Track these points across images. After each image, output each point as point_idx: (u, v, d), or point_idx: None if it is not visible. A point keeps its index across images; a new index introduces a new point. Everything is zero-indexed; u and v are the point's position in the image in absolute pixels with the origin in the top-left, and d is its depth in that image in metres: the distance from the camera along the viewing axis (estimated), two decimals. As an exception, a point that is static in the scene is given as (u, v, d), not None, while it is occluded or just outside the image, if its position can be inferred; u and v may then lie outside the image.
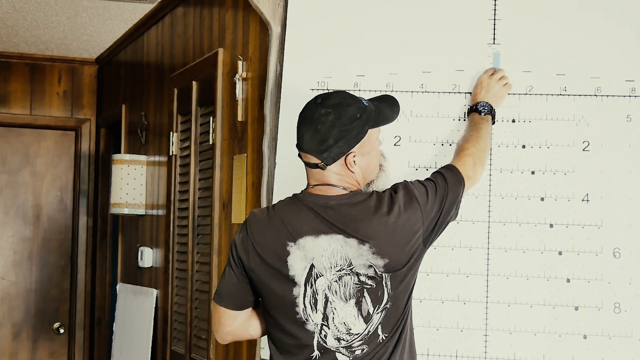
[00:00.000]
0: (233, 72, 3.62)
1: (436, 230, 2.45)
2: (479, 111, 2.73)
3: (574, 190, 2.73)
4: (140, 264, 4.88)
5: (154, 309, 4.65)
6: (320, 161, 2.40)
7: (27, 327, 6.11)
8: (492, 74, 2.79)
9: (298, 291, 2.39)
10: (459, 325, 2.73)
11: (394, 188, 2.45)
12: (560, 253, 2.71)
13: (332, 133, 2.38)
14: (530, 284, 2.70)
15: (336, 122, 2.38)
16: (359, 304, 2.37)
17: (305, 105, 2.45)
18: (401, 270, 2.37)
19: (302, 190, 2.47)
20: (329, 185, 2.43)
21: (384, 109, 2.49)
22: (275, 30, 3.06)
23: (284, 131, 2.91)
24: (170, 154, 4.43)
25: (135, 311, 4.95)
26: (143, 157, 5.03)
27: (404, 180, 2.47)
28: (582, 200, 2.72)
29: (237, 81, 3.53)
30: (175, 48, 4.53)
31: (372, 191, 2.45)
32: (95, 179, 6.19)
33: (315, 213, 2.40)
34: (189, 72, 4.21)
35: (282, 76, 2.96)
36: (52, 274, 6.17)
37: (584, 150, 2.74)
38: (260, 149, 3.24)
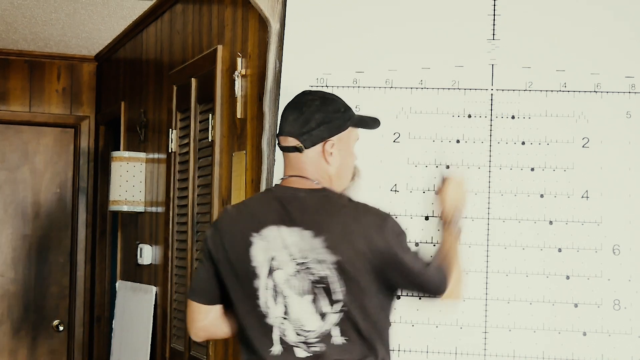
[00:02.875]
0: (232, 69, 3.62)
1: (385, 278, 2.39)
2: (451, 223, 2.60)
3: (573, 186, 2.72)
4: (140, 261, 4.88)
5: (153, 306, 4.64)
6: (299, 143, 2.43)
7: (26, 324, 6.11)
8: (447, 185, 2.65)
9: (258, 283, 2.40)
10: (459, 322, 2.72)
11: (378, 209, 2.43)
12: (559, 250, 2.71)
13: (316, 117, 2.43)
14: (529, 281, 2.70)
15: (321, 107, 2.44)
16: (315, 301, 2.36)
17: (294, 96, 2.52)
18: (355, 275, 2.34)
19: (276, 184, 2.51)
20: (303, 177, 2.44)
21: (366, 118, 2.56)
22: (274, 27, 3.05)
23: (283, 128, 2.90)
24: (170, 151, 4.42)
25: (135, 308, 4.94)
26: (142, 154, 5.02)
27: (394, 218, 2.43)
28: (582, 197, 2.72)
29: (236, 78, 3.53)
30: (174, 45, 4.52)
31: (344, 196, 2.45)
32: (94, 176, 6.18)
33: (282, 204, 2.42)
34: (188, 69, 4.20)
35: (281, 73, 2.96)
36: (51, 271, 6.16)
37: (583, 146, 2.74)
38: (260, 146, 3.23)
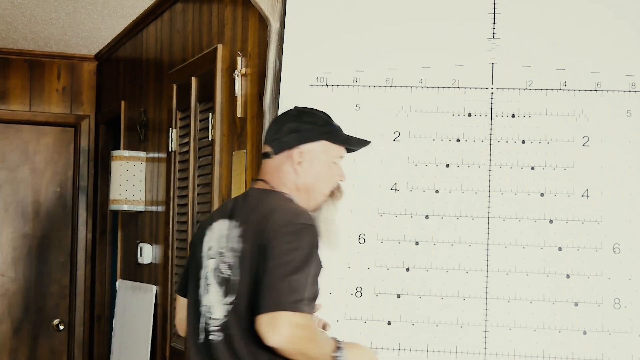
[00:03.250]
0: (232, 68, 3.62)
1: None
2: (338, 346, 2.37)
3: (573, 185, 2.72)
4: (140, 260, 4.87)
5: (153, 305, 4.64)
6: (270, 149, 2.50)
7: (27, 323, 6.11)
8: None
9: (201, 273, 2.49)
10: (459, 321, 2.72)
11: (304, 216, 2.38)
12: (560, 249, 2.71)
13: (288, 125, 2.50)
14: (530, 280, 2.70)
15: (296, 118, 2.51)
16: (221, 290, 2.41)
17: None
18: (249, 268, 2.34)
19: None
20: (263, 181, 2.50)
21: (352, 138, 2.57)
22: (274, 25, 3.05)
23: (283, 127, 2.90)
24: (170, 150, 4.42)
25: (135, 308, 4.94)
26: (142, 154, 5.02)
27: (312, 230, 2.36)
28: (582, 195, 2.71)
29: (236, 77, 3.53)
30: (174, 44, 4.52)
31: (291, 199, 2.46)
32: (94, 175, 6.18)
33: (236, 200, 2.52)
34: (188, 68, 4.20)
35: (281, 72, 2.96)
36: (51, 270, 6.16)
37: (583, 145, 2.73)
38: (260, 145, 3.23)
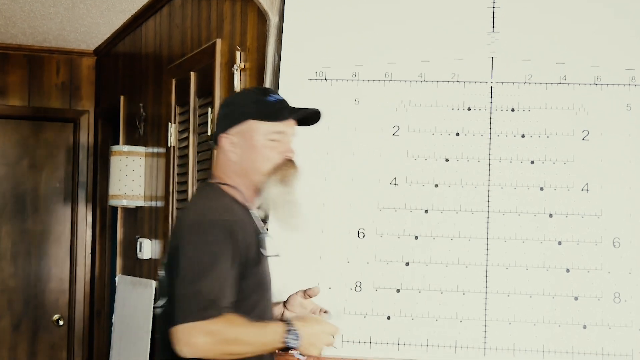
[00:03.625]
0: (231, 62, 3.61)
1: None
2: (288, 327, 2.30)
3: (573, 179, 2.71)
4: (139, 255, 4.87)
5: (153, 300, 4.64)
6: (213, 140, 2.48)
7: (26, 319, 6.10)
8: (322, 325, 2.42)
9: None
10: (458, 315, 2.72)
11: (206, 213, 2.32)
12: (559, 243, 2.70)
13: (219, 113, 2.46)
14: (529, 274, 2.69)
15: (225, 105, 2.47)
16: (157, 293, 2.44)
17: None
18: (169, 272, 2.33)
19: None
20: (213, 173, 2.47)
21: (287, 111, 2.42)
22: (273, 20, 3.04)
23: (282, 121, 2.89)
24: (169, 145, 4.41)
25: (135, 303, 4.94)
26: (141, 149, 5.01)
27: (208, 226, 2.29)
28: (582, 189, 2.71)
29: (235, 71, 3.52)
30: (173, 39, 4.51)
31: (207, 192, 2.40)
32: (94, 170, 6.18)
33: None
34: (187, 62, 4.19)
35: (280, 66, 2.95)
36: (51, 265, 6.15)
37: (583, 139, 2.73)
38: (259, 139, 3.22)
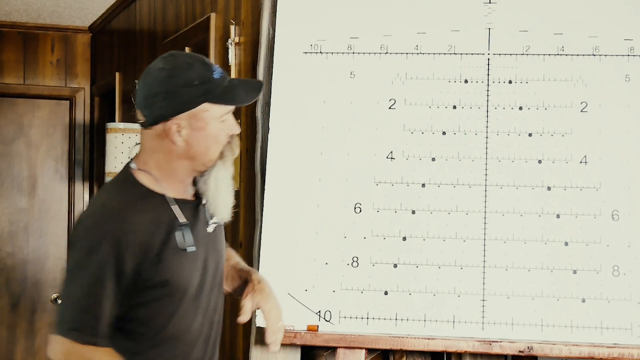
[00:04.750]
0: (226, 37, 3.58)
1: None
2: None
3: (571, 152, 2.69)
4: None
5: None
6: (143, 118, 2.24)
7: (24, 298, 6.10)
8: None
9: None
10: (456, 290, 2.70)
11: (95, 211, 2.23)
12: (558, 216, 2.68)
13: (159, 90, 2.18)
14: (527, 248, 2.67)
15: (167, 80, 2.19)
16: None
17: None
18: None
19: None
20: (136, 155, 2.32)
21: (239, 89, 2.28)
22: (268, -7, 3.01)
23: (277, 96, 2.87)
24: (164, 121, 4.38)
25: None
26: (137, 126, 4.97)
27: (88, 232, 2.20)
28: (580, 162, 2.68)
29: (229, 46, 3.49)
30: (167, 14, 4.47)
31: (114, 184, 2.31)
32: (90, 148, 6.16)
33: None
34: (182, 38, 4.16)
35: (274, 40, 2.91)
36: (48, 244, 6.15)
37: (582, 111, 2.70)
38: (254, 114, 3.19)
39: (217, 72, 2.25)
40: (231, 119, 2.31)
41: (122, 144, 4.96)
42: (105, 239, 2.15)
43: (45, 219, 6.15)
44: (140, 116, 2.26)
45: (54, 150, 6.17)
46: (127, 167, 2.32)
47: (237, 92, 2.27)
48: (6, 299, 6.07)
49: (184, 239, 2.25)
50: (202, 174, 2.31)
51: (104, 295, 2.16)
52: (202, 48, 3.85)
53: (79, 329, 2.16)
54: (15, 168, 6.08)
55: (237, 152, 2.33)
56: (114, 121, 5.43)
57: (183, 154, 2.25)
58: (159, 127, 2.22)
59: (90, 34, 6.13)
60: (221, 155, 2.29)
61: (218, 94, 2.23)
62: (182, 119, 2.20)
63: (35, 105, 6.13)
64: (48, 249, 6.14)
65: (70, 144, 6.18)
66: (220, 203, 2.33)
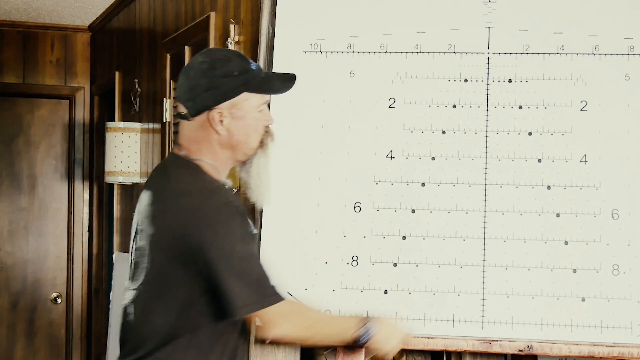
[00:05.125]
0: (225, 36, 3.58)
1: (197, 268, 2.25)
2: (365, 322, 2.41)
3: (571, 151, 2.68)
4: (136, 232, 4.84)
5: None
6: (185, 110, 2.34)
7: (24, 297, 6.10)
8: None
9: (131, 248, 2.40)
10: (456, 289, 2.70)
11: (220, 193, 2.29)
12: (558, 215, 2.67)
13: (201, 82, 2.29)
14: (527, 247, 2.67)
15: (208, 72, 2.30)
16: (131, 273, 2.33)
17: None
18: (160, 255, 2.25)
19: None
20: (180, 145, 2.36)
21: (275, 80, 2.40)
22: (267, -8, 3.00)
23: (276, 95, 2.86)
24: (164, 120, 4.38)
25: (132, 280, 4.92)
26: (137, 125, 4.98)
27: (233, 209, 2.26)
28: (580, 161, 2.68)
29: (229, 45, 3.48)
30: (167, 13, 4.47)
31: (202, 170, 2.33)
32: (90, 147, 6.15)
33: (156, 170, 2.42)
34: (181, 37, 4.15)
35: (274, 39, 2.91)
36: (48, 243, 6.14)
37: (581, 110, 2.70)
38: (254, 113, 3.19)
39: (254, 64, 2.37)
40: (267, 110, 2.41)
41: (122, 143, 4.96)
42: (238, 212, 2.27)
43: (45, 218, 6.15)
44: (182, 109, 2.35)
45: (54, 149, 6.17)
46: (180, 158, 2.35)
47: (273, 82, 2.40)
48: (6, 298, 6.07)
49: (252, 222, 2.37)
50: (243, 163, 2.41)
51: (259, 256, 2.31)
52: (202, 47, 3.84)
53: (275, 292, 2.25)
54: (15, 167, 6.08)
55: (272, 142, 2.43)
56: (114, 120, 5.43)
57: (226, 143, 2.34)
58: (202, 118, 2.32)
59: (90, 33, 6.13)
60: (261, 144, 2.40)
61: (256, 83, 2.34)
62: (223, 108, 2.31)
63: (35, 104, 6.13)
64: (48, 248, 6.14)
65: (70, 143, 6.17)
66: (263, 190, 2.43)
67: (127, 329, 2.33)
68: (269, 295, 2.25)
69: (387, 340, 2.43)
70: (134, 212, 4.82)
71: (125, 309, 2.33)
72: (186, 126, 2.36)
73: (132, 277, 2.32)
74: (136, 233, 2.35)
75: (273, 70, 2.87)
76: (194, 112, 2.32)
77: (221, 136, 2.33)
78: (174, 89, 4.28)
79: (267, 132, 2.41)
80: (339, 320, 2.38)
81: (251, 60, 2.37)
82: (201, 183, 2.30)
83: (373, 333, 2.37)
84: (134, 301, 2.30)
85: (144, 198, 2.34)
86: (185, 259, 2.22)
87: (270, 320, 2.26)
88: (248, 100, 2.33)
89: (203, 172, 2.34)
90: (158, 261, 2.26)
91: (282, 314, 2.27)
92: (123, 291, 2.37)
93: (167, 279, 2.25)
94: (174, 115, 2.39)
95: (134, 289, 2.30)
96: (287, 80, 2.42)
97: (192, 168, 2.33)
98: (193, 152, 2.35)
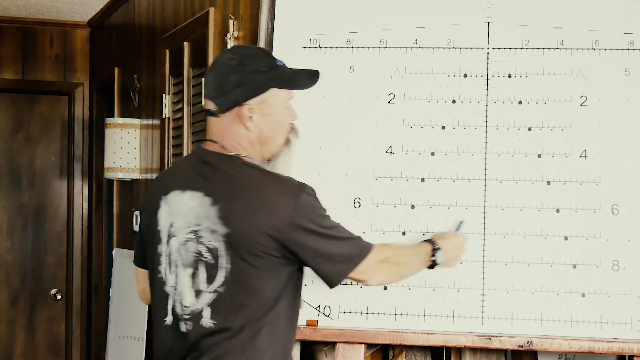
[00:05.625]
0: (224, 31, 3.57)
1: (292, 256, 2.29)
2: (433, 246, 2.53)
3: (571, 146, 2.68)
4: (136, 228, 4.85)
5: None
6: (215, 107, 2.34)
7: (24, 293, 6.10)
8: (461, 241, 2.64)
9: (161, 249, 2.34)
10: (456, 285, 2.69)
11: (292, 180, 2.31)
12: (557, 210, 2.67)
13: (231, 78, 2.30)
14: (527, 242, 2.67)
15: (237, 68, 2.31)
16: (194, 276, 2.28)
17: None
18: (246, 253, 2.23)
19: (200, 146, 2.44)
20: (216, 142, 2.35)
21: (301, 75, 2.41)
22: (266, -13, 3.00)
23: (275, 90, 2.86)
24: (163, 116, 4.38)
25: (132, 276, 4.91)
26: (136, 121, 4.98)
27: (310, 191, 2.31)
28: (580, 156, 2.68)
29: (228, 40, 3.48)
30: (166, 9, 4.46)
31: (258, 165, 2.34)
32: (89, 143, 6.15)
33: (193, 168, 2.35)
34: (180, 32, 4.14)
35: (273, 34, 2.91)
36: (47, 240, 6.14)
37: (581, 105, 2.69)
38: (253, 109, 3.19)
39: (279, 61, 2.38)
40: (291, 106, 2.42)
41: (121, 139, 4.96)
42: (312, 190, 2.32)
43: (45, 215, 6.14)
44: (210, 105, 2.35)
45: (53, 145, 6.16)
46: (228, 154, 2.33)
47: (300, 78, 2.41)
48: (6, 295, 6.07)
49: None
50: (268, 161, 2.41)
51: None
52: (201, 43, 3.84)
53: (363, 254, 2.35)
54: (14, 163, 6.08)
55: (295, 138, 2.45)
56: (113, 116, 5.42)
57: (255, 139, 2.35)
58: (231, 114, 2.33)
59: (89, 29, 6.12)
60: (287, 141, 2.42)
61: (284, 79, 2.36)
62: (253, 104, 2.32)
63: (34, 100, 6.12)
64: (47, 245, 6.14)
65: (69, 139, 6.17)
66: None
67: (199, 332, 2.27)
68: (358, 262, 2.33)
69: (455, 255, 2.61)
70: (133, 208, 4.80)
71: (196, 313, 2.28)
72: (215, 122, 2.36)
73: (207, 280, 2.26)
74: (170, 236, 2.31)
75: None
76: (224, 109, 2.32)
77: (251, 132, 2.34)
78: (174, 84, 4.28)
79: (292, 129, 2.43)
80: (415, 255, 2.49)
81: (277, 58, 2.38)
82: (268, 176, 2.31)
83: (444, 252, 2.53)
84: (214, 304, 2.26)
85: (191, 199, 2.29)
86: (277, 251, 2.25)
87: (364, 279, 2.39)
88: (276, 97, 2.35)
89: (256, 165, 2.35)
90: (240, 259, 2.24)
91: (374, 271, 2.38)
92: (175, 295, 2.32)
93: (254, 275, 2.25)
94: (207, 113, 2.37)
95: (211, 292, 2.25)
96: (312, 76, 2.43)
97: (246, 164, 2.33)
98: (230, 147, 2.34)
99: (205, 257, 2.26)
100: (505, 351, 2.83)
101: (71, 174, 6.15)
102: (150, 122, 4.75)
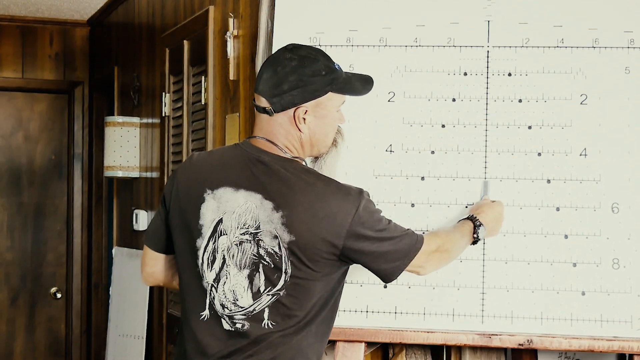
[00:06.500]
0: (224, 30, 3.57)
1: (349, 260, 2.32)
2: (474, 223, 2.56)
3: (571, 144, 2.68)
4: (136, 227, 4.85)
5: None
6: (269, 105, 2.32)
7: (24, 292, 6.10)
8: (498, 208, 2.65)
9: (201, 243, 2.31)
10: (456, 283, 2.69)
11: (351, 187, 2.32)
12: (558, 209, 2.67)
13: (290, 79, 2.29)
14: (527, 241, 2.66)
15: (297, 69, 2.29)
16: (251, 277, 2.27)
17: (276, 50, 2.41)
18: (308, 259, 2.24)
19: (244, 140, 2.41)
20: (270, 142, 2.33)
21: (356, 81, 2.41)
22: (266, -15, 3.00)
23: (275, 88, 2.86)
24: (163, 115, 4.38)
25: (132, 275, 4.92)
26: (136, 119, 4.98)
27: (367, 197, 2.33)
28: (580, 154, 2.67)
29: (228, 39, 3.47)
30: (166, 7, 4.46)
31: (316, 172, 2.35)
32: (89, 142, 6.15)
33: (247, 165, 2.31)
34: (180, 31, 4.14)
35: (273, 33, 2.91)
36: (47, 238, 6.14)
37: (581, 103, 2.69)
38: (253, 107, 3.18)
39: (336, 64, 2.38)
40: (342, 110, 2.44)
41: (121, 138, 4.96)
42: (367, 194, 2.34)
43: (44, 213, 6.14)
44: (263, 103, 2.33)
45: (53, 144, 6.16)
46: (283, 156, 2.33)
47: (355, 84, 2.41)
48: (5, 293, 6.07)
49: None
50: (315, 158, 2.45)
51: None
52: (201, 41, 3.84)
53: (418, 237, 2.39)
54: (14, 162, 6.08)
55: (341, 139, 2.49)
56: (113, 115, 5.42)
57: (307, 141, 2.35)
58: (285, 114, 2.32)
59: (89, 28, 6.12)
60: (334, 142, 2.44)
61: (340, 84, 2.36)
62: (309, 107, 2.31)
63: (34, 99, 6.12)
64: (47, 243, 6.14)
65: (69, 138, 6.17)
66: None
67: (258, 333, 2.28)
68: (412, 257, 2.36)
69: (495, 225, 2.62)
70: (133, 207, 4.80)
71: (255, 314, 2.28)
72: (267, 120, 2.34)
73: (266, 283, 2.26)
74: (218, 233, 2.30)
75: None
76: (279, 109, 2.31)
77: (303, 134, 2.33)
78: (173, 83, 4.28)
79: (338, 131, 2.46)
80: (460, 237, 2.50)
81: (334, 61, 2.38)
82: (328, 183, 2.30)
83: (485, 227, 2.55)
84: (273, 306, 2.26)
85: (247, 199, 2.27)
86: (335, 256, 2.27)
87: (418, 271, 2.42)
88: (331, 100, 2.35)
89: (314, 171, 2.35)
90: (301, 264, 2.24)
91: (427, 262, 2.41)
92: (215, 292, 2.31)
93: (313, 279, 2.27)
94: (254, 106, 2.36)
95: (270, 294, 2.25)
96: (367, 82, 2.44)
97: (305, 170, 2.32)
98: (282, 147, 2.34)
99: (265, 261, 2.25)
100: (505, 350, 2.83)
101: (71, 172, 6.15)
102: (150, 120, 4.75)
